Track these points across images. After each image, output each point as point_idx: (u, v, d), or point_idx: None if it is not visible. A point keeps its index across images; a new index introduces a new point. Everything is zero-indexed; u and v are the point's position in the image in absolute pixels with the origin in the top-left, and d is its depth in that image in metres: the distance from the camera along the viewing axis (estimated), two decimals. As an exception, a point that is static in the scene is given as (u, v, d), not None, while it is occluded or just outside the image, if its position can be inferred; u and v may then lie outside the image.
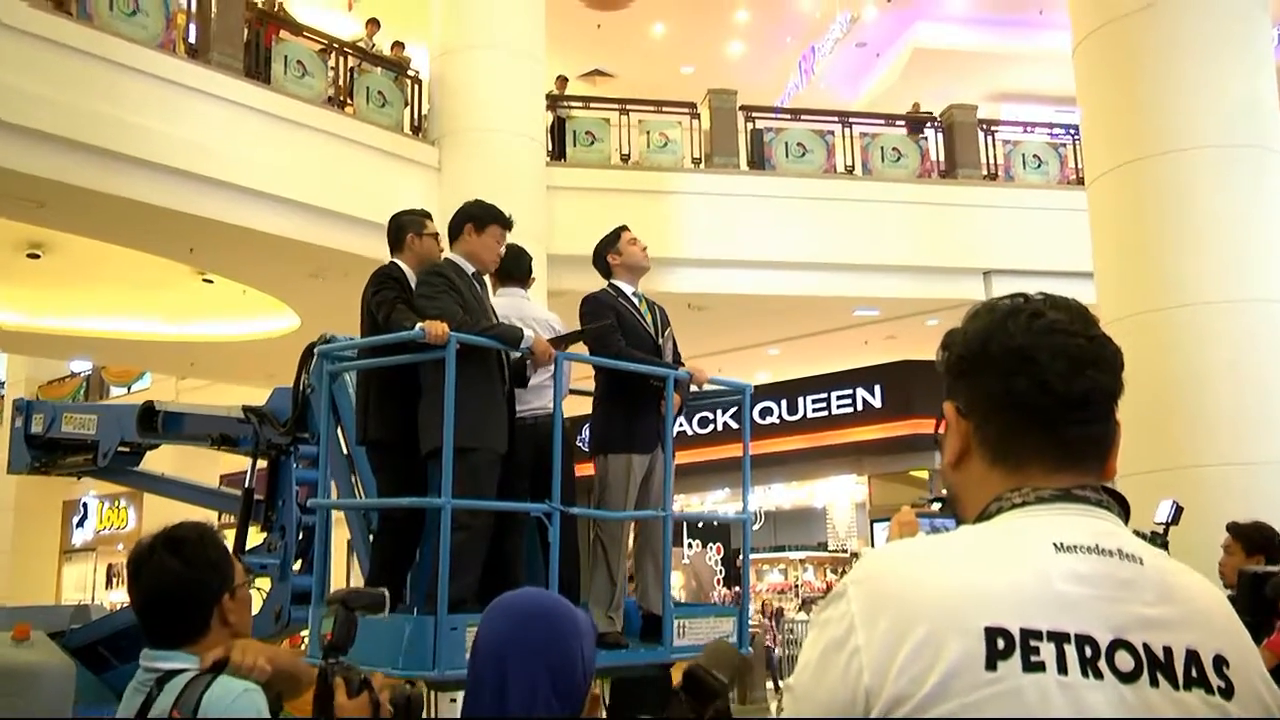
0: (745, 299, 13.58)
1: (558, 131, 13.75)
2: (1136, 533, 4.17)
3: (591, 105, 14.72)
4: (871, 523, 17.75)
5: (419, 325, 4.41)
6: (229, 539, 5.78)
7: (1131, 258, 8.62)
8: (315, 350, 5.29)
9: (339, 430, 5.27)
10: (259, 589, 5.75)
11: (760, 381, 16.90)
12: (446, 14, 12.08)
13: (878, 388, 16.63)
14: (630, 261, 5.40)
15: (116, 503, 25.22)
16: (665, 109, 14.51)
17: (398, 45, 14.12)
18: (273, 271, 12.23)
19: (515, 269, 5.33)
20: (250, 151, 10.59)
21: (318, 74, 11.84)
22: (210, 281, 13.64)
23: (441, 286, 4.72)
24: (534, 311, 5.31)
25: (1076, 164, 14.07)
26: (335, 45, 12.61)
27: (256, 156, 10.63)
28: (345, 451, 5.29)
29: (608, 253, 5.42)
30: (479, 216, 5.00)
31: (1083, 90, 9.41)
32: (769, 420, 17.30)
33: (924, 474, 16.19)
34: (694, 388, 5.40)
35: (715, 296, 13.25)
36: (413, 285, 4.96)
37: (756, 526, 18.98)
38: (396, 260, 5.11)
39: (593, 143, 13.71)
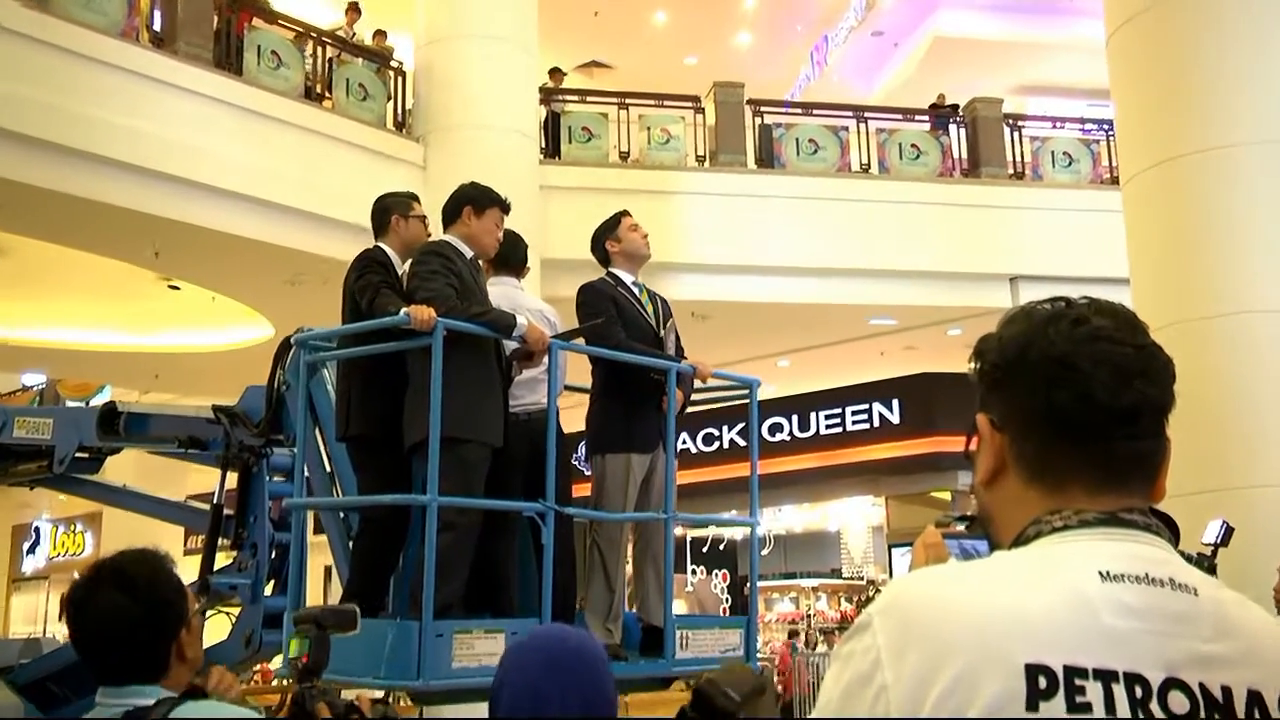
0: (752, 307, 13.57)
1: (552, 127, 13.76)
2: (1183, 554, 4.12)
3: (588, 99, 14.74)
4: (889, 548, 17.77)
5: (404, 310, 4.41)
6: (192, 563, 5.78)
7: (1171, 263, 8.62)
8: (292, 343, 5.27)
9: (317, 431, 5.24)
10: (227, 613, 5.74)
11: (769, 395, 16.90)
12: (433, 1, 12.10)
13: (896, 402, 16.63)
14: (630, 249, 5.42)
15: (72, 527, 25.17)
16: (667, 103, 14.53)
17: (379, 34, 14.14)
18: (245, 277, 12.23)
19: (510, 257, 5.34)
20: (220, 148, 10.59)
21: (294, 65, 11.85)
22: (176, 288, 13.63)
23: (438, 267, 4.72)
24: (528, 302, 5.31)
25: (1110, 162, 14.09)
26: (313, 34, 12.63)
27: (227, 154, 10.63)
28: (324, 453, 5.27)
29: (606, 239, 5.44)
30: (478, 199, 5.03)
31: (1117, 83, 9.41)
32: (779, 437, 17.29)
33: (946, 495, 16.19)
34: (698, 382, 5.40)
35: (720, 304, 13.24)
36: (398, 270, 4.98)
37: (765, 551, 18.98)
38: (381, 245, 5.14)
39: (589, 139, 13.72)
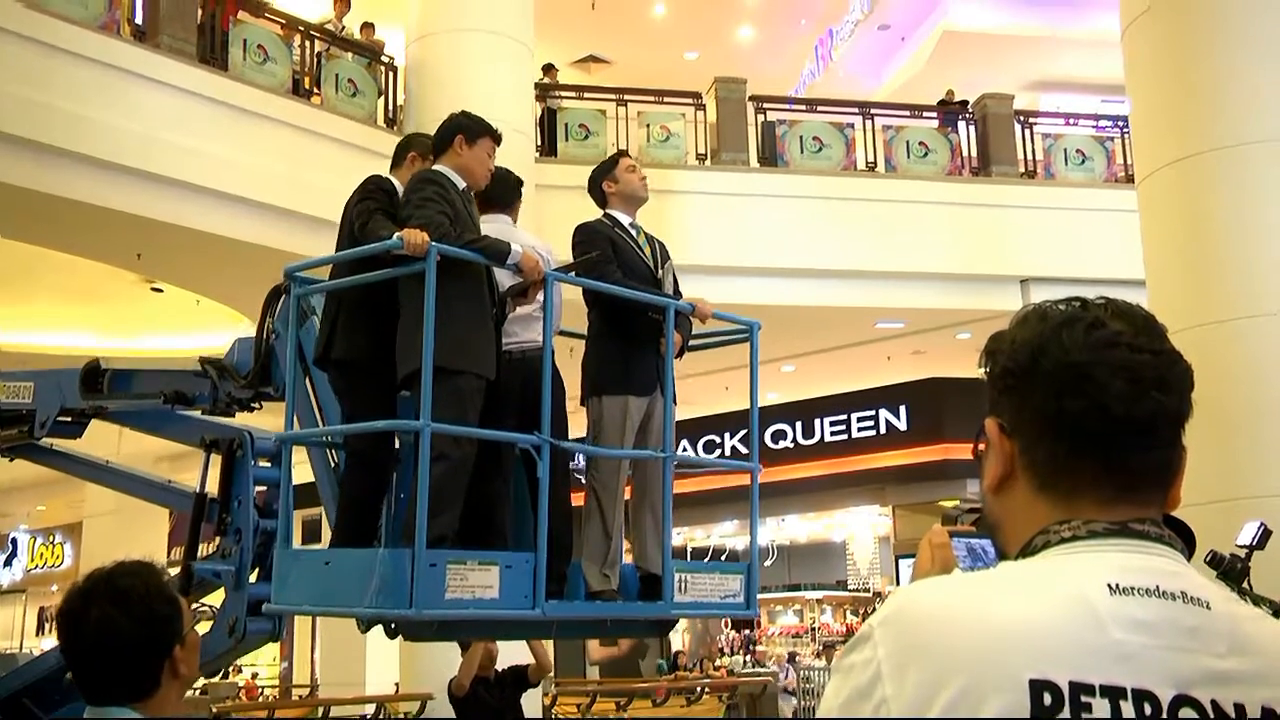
0: (755, 310, 13.37)
1: (548, 124, 13.77)
2: (1214, 554, 4.07)
3: (585, 95, 14.76)
4: (896, 559, 17.77)
5: (396, 234, 4.46)
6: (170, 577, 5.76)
7: (1189, 264, 8.62)
8: (282, 291, 5.30)
9: (308, 381, 5.25)
10: (209, 608, 5.75)
11: (772, 402, 16.90)
12: (424, -7, 12.11)
13: (903, 408, 16.65)
14: (627, 190, 5.50)
15: (51, 538, 25.18)
16: (667, 99, 14.54)
17: (367, 27, 14.15)
18: (230, 279, 12.22)
19: (502, 194, 5.39)
20: (205, 145, 10.58)
21: (281, 59, 11.85)
22: (160, 290, 13.63)
23: (431, 194, 4.76)
24: (523, 237, 5.31)
25: (1125, 160, 14.10)
26: (301, 27, 12.64)
27: (212, 151, 10.62)
28: (314, 403, 5.27)
29: (604, 180, 5.53)
30: (470, 127, 5.08)
31: (1132, 78, 9.42)
32: (782, 445, 17.31)
33: (955, 504, 16.18)
34: (696, 321, 5.43)
35: (721, 307, 13.22)
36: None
37: (768, 563, 18.97)
38: (390, 176, 5.26)
39: (586, 137, 13.73)
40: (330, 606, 4.66)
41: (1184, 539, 1.27)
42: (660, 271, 5.39)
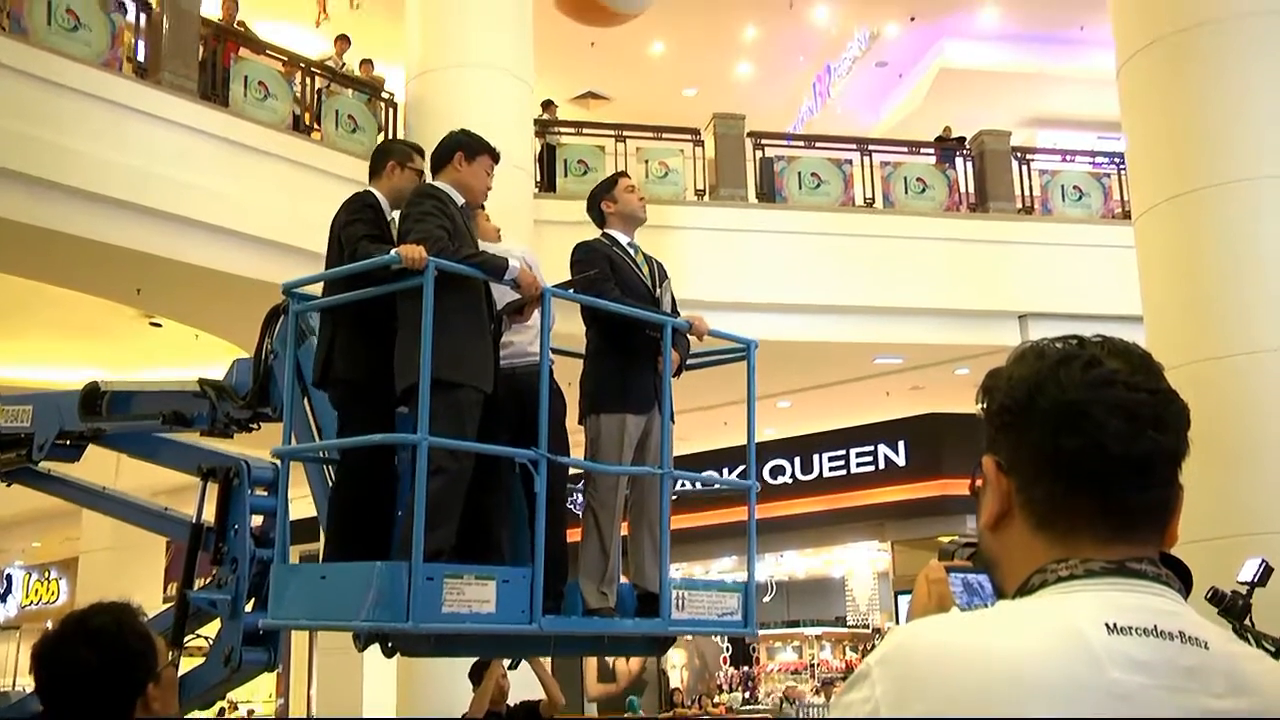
0: (754, 345, 13.54)
1: (547, 160, 13.82)
2: (1215, 591, 4.07)
3: (584, 131, 14.81)
4: (895, 595, 17.69)
5: (394, 250, 4.50)
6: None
7: (1186, 300, 8.63)
8: (280, 312, 5.31)
9: (306, 402, 5.24)
10: (204, 638, 5.71)
11: (771, 437, 16.88)
12: (425, 31, 12.17)
13: (902, 444, 16.62)
14: (626, 210, 5.57)
15: (46, 574, 25.03)
16: (665, 135, 14.60)
17: (367, 64, 14.22)
18: (229, 314, 12.21)
19: None
20: (205, 181, 10.61)
21: (281, 96, 11.91)
22: (158, 325, 13.63)
23: (430, 209, 4.79)
24: (515, 249, 5.34)
25: (1122, 196, 14.14)
26: (301, 64, 12.70)
27: (212, 186, 10.65)
28: (312, 423, 5.28)
29: (603, 200, 5.60)
30: (469, 145, 5.14)
31: (1128, 115, 9.46)
32: (780, 480, 17.27)
33: (951, 540, 16.13)
34: (694, 340, 5.46)
35: (720, 342, 13.22)
36: (388, 216, 5.09)
37: (766, 599, 18.88)
38: (372, 189, 5.26)
39: (585, 172, 13.77)
40: (327, 620, 4.66)
41: (1181, 577, 1.27)
42: (658, 290, 5.43)
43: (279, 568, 4.85)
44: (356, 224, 5.01)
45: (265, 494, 5.71)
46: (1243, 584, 5.27)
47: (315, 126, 12.36)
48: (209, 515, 5.81)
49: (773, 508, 16.21)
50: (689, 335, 5.42)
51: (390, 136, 12.72)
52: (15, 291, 12.25)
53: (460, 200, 5.00)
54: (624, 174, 5.80)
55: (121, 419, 6.46)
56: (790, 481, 17.27)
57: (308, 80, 12.59)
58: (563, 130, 14.70)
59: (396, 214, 5.10)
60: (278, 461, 5.25)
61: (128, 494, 7.17)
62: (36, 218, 9.58)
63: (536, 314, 5.01)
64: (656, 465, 5.16)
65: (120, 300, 12.14)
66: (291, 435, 5.07)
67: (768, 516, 15.90)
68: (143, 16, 11.09)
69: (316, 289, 5.29)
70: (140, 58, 11.01)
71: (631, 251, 5.48)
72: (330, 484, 5.14)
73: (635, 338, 5.22)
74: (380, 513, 4.84)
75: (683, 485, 17.05)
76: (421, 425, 4.35)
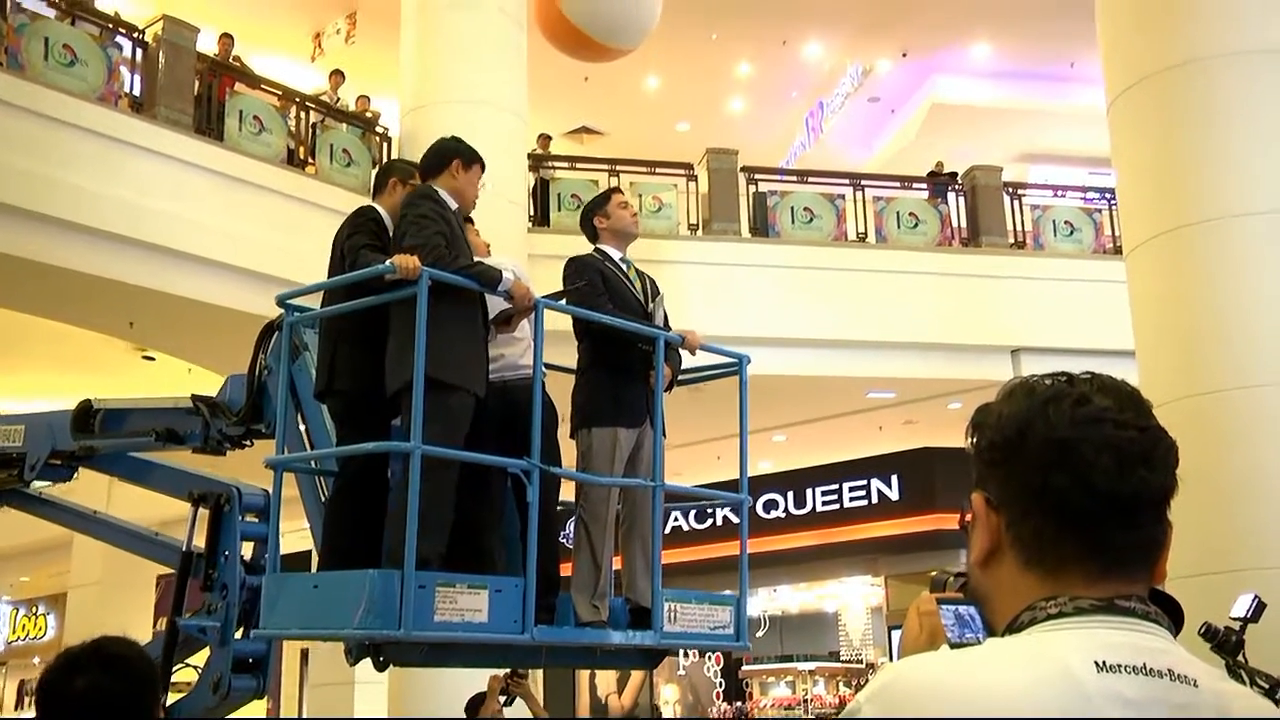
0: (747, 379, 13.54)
1: (540, 194, 13.86)
2: (1208, 627, 4.05)
3: (578, 165, 14.87)
4: (889, 629, 17.62)
5: (389, 260, 4.51)
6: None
7: (1177, 335, 8.64)
8: (275, 328, 5.32)
9: (300, 417, 5.24)
10: (194, 667, 5.68)
11: (764, 471, 16.86)
12: (419, 65, 12.22)
13: (895, 478, 16.60)
14: (618, 226, 5.56)
15: (34, 609, 24.81)
16: (659, 170, 14.65)
17: (362, 98, 14.27)
18: (223, 348, 12.20)
19: None
20: (199, 215, 10.63)
21: (276, 130, 11.94)
22: (151, 359, 13.62)
23: (429, 212, 4.82)
24: (505, 262, 5.35)
25: (1113, 231, 14.19)
26: (296, 99, 12.74)
27: (206, 220, 10.67)
28: (306, 440, 5.27)
29: (595, 215, 5.60)
30: (466, 153, 5.18)
31: (1118, 151, 9.51)
32: (774, 514, 17.24)
33: (948, 582, 16.08)
34: (686, 353, 5.46)
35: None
36: (390, 232, 5.11)
37: (760, 634, 18.81)
38: (375, 204, 5.30)
39: (579, 207, 13.79)
40: (319, 629, 4.62)
41: (1171, 614, 1.27)
42: (650, 305, 5.45)
43: (271, 577, 4.84)
44: (358, 235, 5.05)
45: (256, 520, 5.71)
46: (1235, 620, 5.25)
47: (310, 160, 12.39)
48: (199, 541, 5.80)
49: (766, 542, 16.18)
50: (681, 349, 5.43)
51: (384, 171, 12.74)
52: (9, 325, 12.24)
53: (454, 205, 5.04)
54: (617, 189, 5.85)
55: (114, 436, 6.45)
56: (783, 515, 17.23)
57: (302, 115, 12.64)
58: (556, 165, 14.75)
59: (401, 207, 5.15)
60: (269, 489, 5.24)
61: (118, 518, 7.13)
62: (30, 251, 9.59)
63: (526, 326, 5.04)
64: (648, 478, 5.17)
65: (113, 334, 12.12)
66: (285, 448, 5.07)
67: (761, 551, 15.86)
68: (139, 52, 11.13)
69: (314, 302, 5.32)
70: (136, 92, 11.05)
71: (624, 266, 5.50)
72: (323, 498, 5.13)
73: (627, 352, 5.24)
74: (375, 525, 4.82)
75: (676, 521, 17.03)
76: (415, 434, 4.35)
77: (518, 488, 4.86)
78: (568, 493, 5.27)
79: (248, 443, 5.81)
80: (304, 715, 18.88)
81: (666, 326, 5.47)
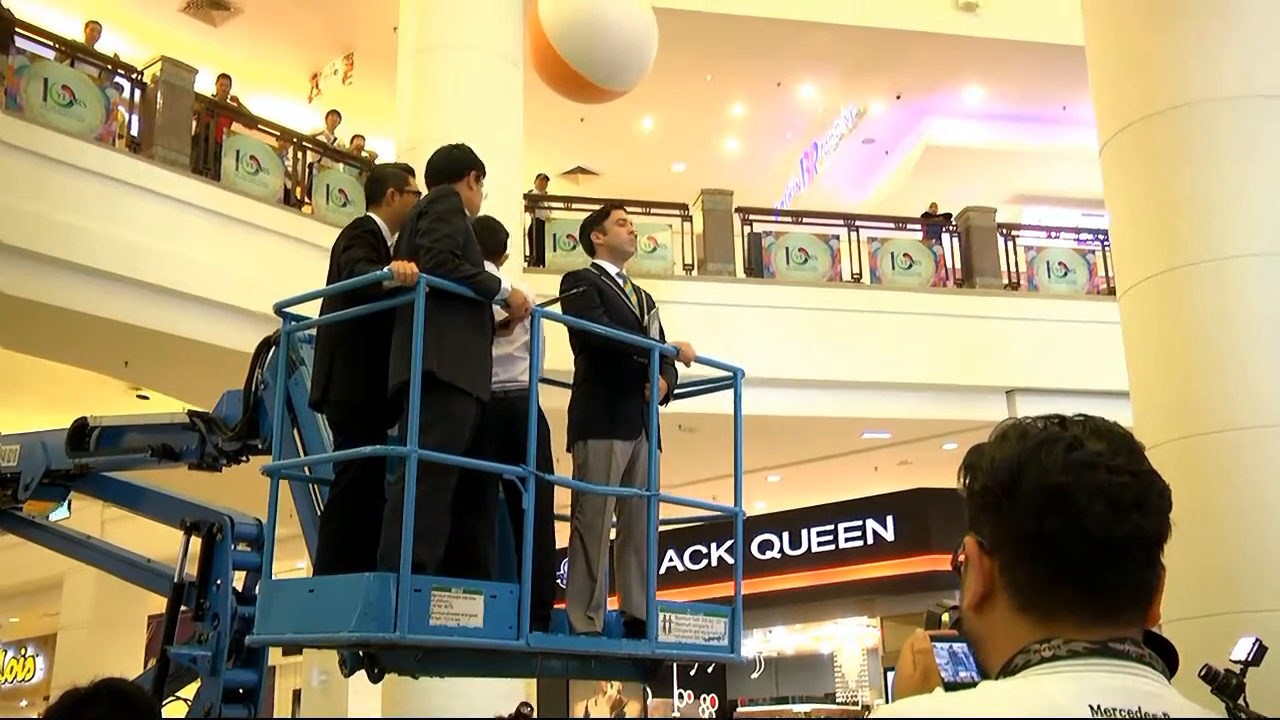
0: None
1: (536, 234, 13.90)
2: (1208, 669, 4.03)
3: (573, 206, 14.91)
4: (885, 671, 17.53)
5: (387, 268, 4.53)
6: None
7: (1171, 376, 8.65)
8: (272, 343, 5.33)
9: (296, 433, 5.22)
10: (185, 700, 5.64)
11: (759, 511, 16.82)
12: (416, 106, 12.28)
13: (890, 519, 16.56)
14: (614, 242, 5.64)
15: (22, 651, 24.60)
16: (654, 210, 14.70)
17: (357, 138, 14.33)
18: (217, 387, 12.08)
19: (489, 242, 5.44)
20: (196, 254, 10.65)
21: (273, 170, 11.98)
22: (145, 398, 13.60)
23: (455, 207, 4.84)
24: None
25: (1107, 272, 14.25)
26: (293, 139, 12.79)
27: (203, 260, 10.69)
28: (301, 453, 5.26)
29: (593, 231, 5.68)
30: (479, 166, 5.21)
31: (1111, 192, 9.56)
32: (769, 555, 17.18)
33: (943, 617, 16.04)
34: (681, 365, 5.51)
35: (708, 416, 13.08)
36: (388, 242, 5.11)
37: (755, 675, 18.72)
38: (372, 214, 5.29)
39: (574, 247, 13.82)
40: (314, 634, 4.58)
41: (1165, 656, 1.27)
42: (646, 319, 5.49)
43: (266, 582, 4.83)
44: (355, 248, 5.04)
45: (248, 549, 5.68)
46: (1236, 663, 5.22)
47: (306, 200, 12.42)
48: (191, 570, 5.77)
49: (761, 583, 16.12)
50: (676, 362, 5.47)
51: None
52: (2, 364, 12.22)
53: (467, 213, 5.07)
54: (617, 205, 5.86)
55: (109, 453, 6.43)
56: (779, 556, 17.17)
57: (299, 154, 12.68)
58: (552, 205, 14.80)
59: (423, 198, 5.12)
60: (261, 518, 5.23)
61: (111, 544, 7.09)
62: (24, 290, 9.59)
63: (525, 341, 5.07)
64: (644, 490, 5.17)
65: (108, 373, 12.12)
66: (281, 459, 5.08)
67: (756, 592, 15.80)
68: (137, 92, 11.18)
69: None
70: (134, 132, 11.09)
71: (620, 281, 5.56)
72: (318, 509, 5.12)
73: (623, 365, 5.28)
74: (370, 532, 4.80)
75: (671, 561, 16.95)
76: (411, 438, 4.34)
77: (513, 496, 4.85)
78: (560, 508, 5.27)
79: (244, 458, 5.80)
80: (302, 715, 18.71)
81: (662, 340, 5.49)
